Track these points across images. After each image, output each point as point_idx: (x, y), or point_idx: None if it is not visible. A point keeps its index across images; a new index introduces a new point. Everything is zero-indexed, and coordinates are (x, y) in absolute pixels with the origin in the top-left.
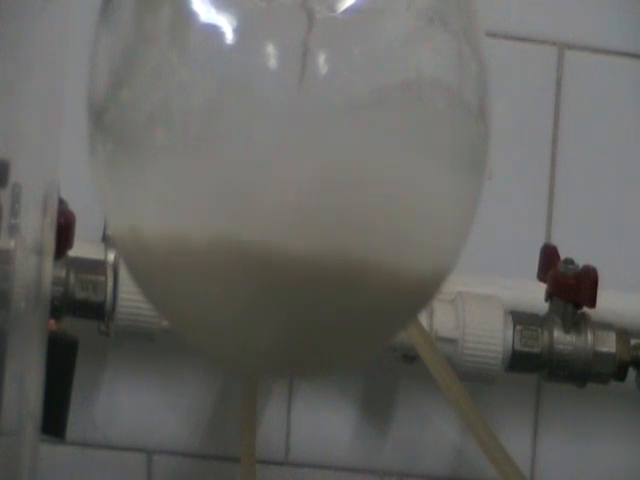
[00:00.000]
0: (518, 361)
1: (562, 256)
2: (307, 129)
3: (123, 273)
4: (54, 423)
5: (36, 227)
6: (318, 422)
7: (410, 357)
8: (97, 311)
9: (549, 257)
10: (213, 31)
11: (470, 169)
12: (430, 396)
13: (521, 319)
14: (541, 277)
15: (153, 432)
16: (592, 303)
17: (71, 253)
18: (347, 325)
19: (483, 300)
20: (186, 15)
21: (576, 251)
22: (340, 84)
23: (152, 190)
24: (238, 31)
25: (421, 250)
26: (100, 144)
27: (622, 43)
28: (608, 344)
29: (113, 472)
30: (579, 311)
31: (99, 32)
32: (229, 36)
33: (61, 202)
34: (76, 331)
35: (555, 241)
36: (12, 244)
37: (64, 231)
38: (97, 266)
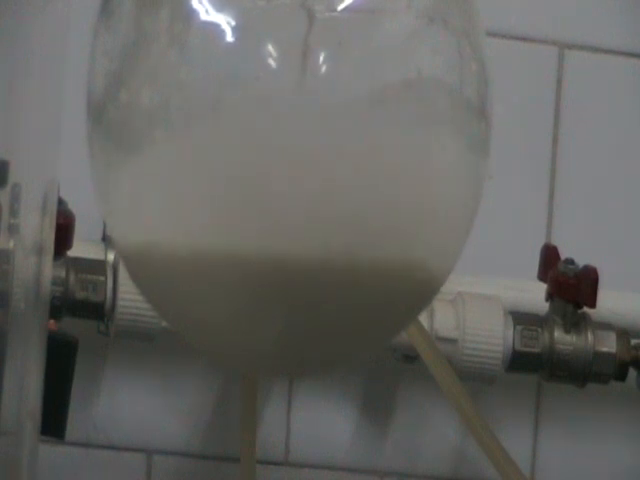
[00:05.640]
0: (518, 361)
1: (562, 256)
2: (307, 128)
3: (123, 273)
4: (53, 423)
5: (35, 227)
6: (318, 422)
7: (410, 357)
8: (97, 311)
9: (549, 257)
10: (212, 30)
11: (470, 168)
12: (430, 396)
13: (521, 319)
14: (541, 277)
15: (153, 432)
16: (592, 303)
17: (71, 253)
18: (348, 325)
19: (483, 300)
20: (185, 14)
21: (576, 251)
22: (340, 83)
23: (151, 190)
24: (238, 30)
25: (422, 249)
26: (99, 144)
27: (622, 43)
28: (608, 344)
29: (113, 472)
30: (579, 311)
31: (98, 31)
32: (229, 35)
33: (61, 202)
34: (76, 331)
35: (555, 241)
36: (11, 244)
37: (64, 231)
38: (97, 266)
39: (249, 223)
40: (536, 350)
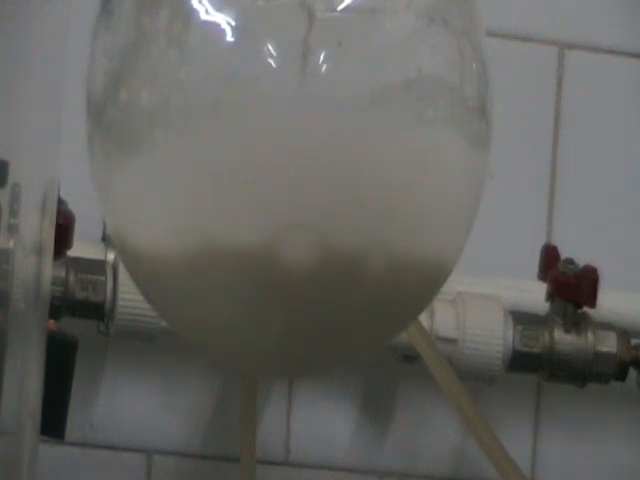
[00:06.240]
0: (518, 361)
1: (562, 256)
2: (307, 128)
3: (123, 273)
4: (53, 423)
5: (35, 227)
6: (318, 422)
7: (410, 357)
8: (97, 311)
9: (549, 257)
10: (212, 30)
11: (471, 168)
12: (430, 396)
13: (521, 319)
14: (541, 277)
15: (153, 432)
16: (592, 303)
17: (71, 253)
18: (348, 325)
19: (483, 300)
20: (185, 14)
21: (576, 251)
22: (341, 83)
23: (151, 190)
24: (237, 30)
25: (422, 249)
26: (99, 144)
27: (622, 43)
28: (608, 344)
29: (113, 472)
30: (579, 311)
31: (98, 31)
32: (228, 35)
33: (61, 202)
34: (76, 331)
35: (555, 241)
36: (11, 244)
37: (64, 231)
38: (97, 266)
39: (249, 223)
40: (536, 350)
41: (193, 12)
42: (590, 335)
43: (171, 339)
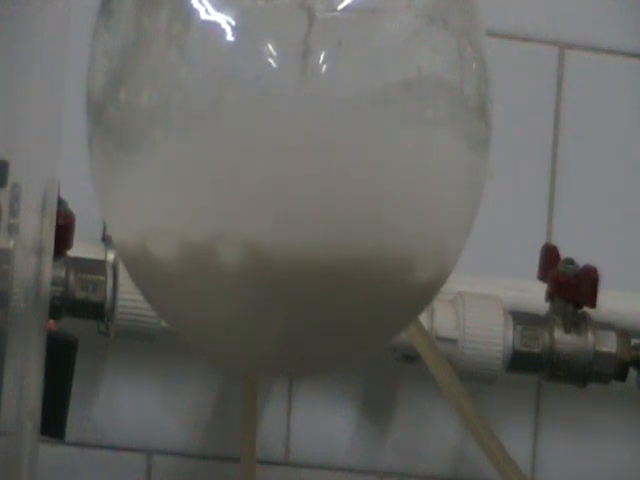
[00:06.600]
0: (518, 361)
1: (562, 256)
2: (307, 128)
3: (123, 273)
4: (53, 423)
5: (35, 227)
6: (318, 422)
7: (410, 357)
8: (97, 311)
9: (549, 257)
10: (212, 30)
11: (470, 168)
12: (430, 396)
13: (521, 319)
14: (541, 277)
15: (153, 432)
16: (592, 303)
17: (71, 253)
18: (348, 325)
19: (483, 300)
20: (185, 14)
21: (576, 251)
22: (341, 83)
23: (151, 190)
24: (237, 30)
25: (421, 249)
26: (99, 144)
27: (622, 43)
28: (608, 344)
29: (113, 472)
30: (579, 311)
31: (98, 31)
32: (229, 35)
33: (61, 202)
34: (76, 331)
35: (555, 241)
36: (11, 244)
37: (64, 231)
38: (97, 266)
39: (249, 223)
40: (536, 350)
41: (193, 12)
42: (590, 335)
43: (171, 339)
